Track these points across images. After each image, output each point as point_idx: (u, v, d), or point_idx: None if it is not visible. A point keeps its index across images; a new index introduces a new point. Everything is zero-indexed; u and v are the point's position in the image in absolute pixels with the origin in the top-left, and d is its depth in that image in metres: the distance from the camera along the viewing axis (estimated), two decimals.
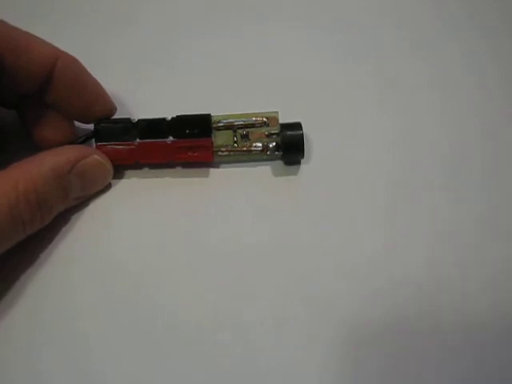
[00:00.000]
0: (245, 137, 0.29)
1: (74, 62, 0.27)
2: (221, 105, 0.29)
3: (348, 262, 0.26)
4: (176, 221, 0.28)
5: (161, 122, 0.28)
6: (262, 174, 0.29)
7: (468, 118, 0.32)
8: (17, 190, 0.24)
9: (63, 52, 0.27)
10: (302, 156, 0.29)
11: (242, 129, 0.29)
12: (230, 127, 0.28)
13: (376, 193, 0.29)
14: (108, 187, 0.29)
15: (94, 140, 0.28)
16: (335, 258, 0.26)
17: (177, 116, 0.28)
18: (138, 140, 0.28)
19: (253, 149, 0.29)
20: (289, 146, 0.28)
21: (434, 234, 0.28)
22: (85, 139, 0.29)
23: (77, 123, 0.29)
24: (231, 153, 0.29)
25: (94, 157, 0.27)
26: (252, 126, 0.29)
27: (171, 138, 0.28)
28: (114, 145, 0.28)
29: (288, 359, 0.25)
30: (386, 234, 0.28)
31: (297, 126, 0.29)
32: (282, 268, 0.27)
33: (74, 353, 0.25)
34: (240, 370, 0.25)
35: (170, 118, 0.28)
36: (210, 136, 0.28)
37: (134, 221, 0.28)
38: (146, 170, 0.30)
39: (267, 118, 0.29)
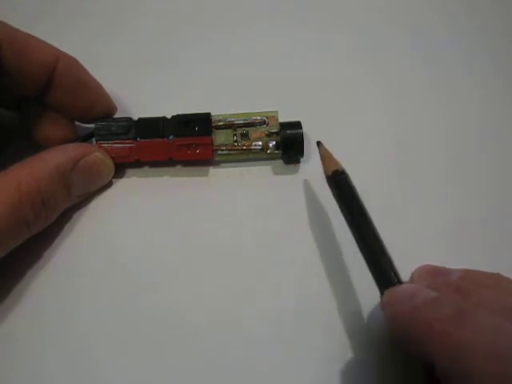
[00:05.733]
0: (245, 136, 0.29)
1: (74, 63, 0.27)
2: (221, 105, 0.29)
3: (347, 261, 0.26)
4: (176, 219, 0.28)
5: (161, 120, 0.28)
6: (261, 172, 0.29)
7: (468, 118, 0.32)
8: (20, 190, 0.24)
9: (64, 53, 0.27)
10: (302, 155, 0.29)
11: (242, 128, 0.29)
12: (229, 126, 0.29)
13: (376, 192, 0.29)
14: (109, 185, 0.29)
15: (94, 139, 0.28)
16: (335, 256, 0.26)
17: (177, 114, 0.28)
18: (138, 138, 0.28)
19: (253, 147, 0.29)
20: (288, 144, 0.29)
21: (435, 234, 0.28)
22: (85, 138, 0.29)
23: (77, 122, 0.29)
24: (231, 151, 0.29)
25: (96, 154, 0.27)
26: (252, 125, 0.29)
27: (171, 137, 0.28)
28: (115, 143, 0.28)
29: (288, 359, 0.25)
30: (385, 233, 0.28)
31: (296, 125, 0.29)
32: (282, 267, 0.27)
33: (75, 352, 0.25)
34: (240, 370, 0.25)
35: (169, 116, 0.28)
36: (210, 133, 0.28)
37: (134, 219, 0.28)
38: (147, 168, 0.30)
39: (267, 117, 0.29)
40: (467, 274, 0.24)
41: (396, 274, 0.23)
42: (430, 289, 0.22)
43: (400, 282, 0.23)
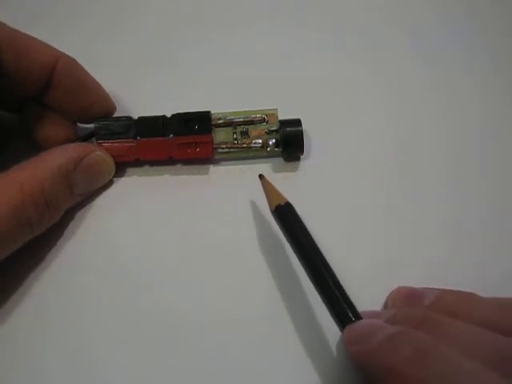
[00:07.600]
0: (244, 134, 0.29)
1: (73, 63, 0.27)
2: (221, 105, 0.29)
3: (347, 261, 0.26)
4: (176, 218, 0.28)
5: (161, 119, 0.28)
6: (261, 170, 0.29)
7: (468, 118, 0.32)
8: (22, 192, 0.24)
9: (63, 53, 0.27)
10: (302, 152, 0.29)
11: (242, 126, 0.29)
12: (229, 124, 0.29)
13: (375, 190, 0.29)
14: (109, 184, 0.29)
15: (94, 138, 0.28)
16: (334, 255, 0.26)
17: (177, 113, 0.28)
18: (138, 137, 0.28)
19: (253, 145, 0.29)
20: (288, 142, 0.29)
21: (435, 234, 0.28)
22: (86, 137, 0.29)
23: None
24: (231, 150, 0.29)
25: (97, 153, 0.27)
26: (251, 122, 0.29)
27: (171, 135, 0.28)
28: (115, 142, 0.28)
29: (289, 358, 0.25)
30: (385, 231, 0.28)
31: (296, 122, 0.29)
32: (282, 265, 0.27)
33: (75, 352, 0.25)
34: (240, 370, 0.25)
35: (169, 115, 0.29)
36: (210, 132, 0.28)
37: (134, 218, 0.28)
38: (147, 167, 0.30)
39: (266, 115, 0.29)
40: (440, 297, 0.24)
41: (352, 309, 0.22)
42: (390, 323, 0.21)
43: (357, 316, 0.22)
